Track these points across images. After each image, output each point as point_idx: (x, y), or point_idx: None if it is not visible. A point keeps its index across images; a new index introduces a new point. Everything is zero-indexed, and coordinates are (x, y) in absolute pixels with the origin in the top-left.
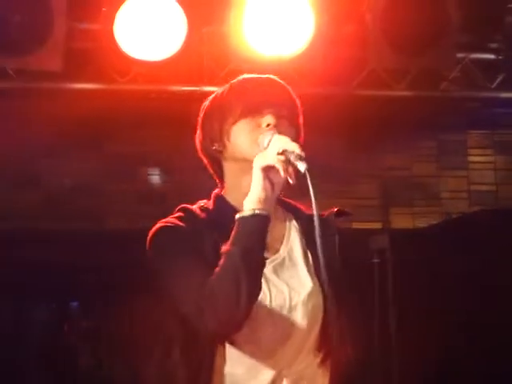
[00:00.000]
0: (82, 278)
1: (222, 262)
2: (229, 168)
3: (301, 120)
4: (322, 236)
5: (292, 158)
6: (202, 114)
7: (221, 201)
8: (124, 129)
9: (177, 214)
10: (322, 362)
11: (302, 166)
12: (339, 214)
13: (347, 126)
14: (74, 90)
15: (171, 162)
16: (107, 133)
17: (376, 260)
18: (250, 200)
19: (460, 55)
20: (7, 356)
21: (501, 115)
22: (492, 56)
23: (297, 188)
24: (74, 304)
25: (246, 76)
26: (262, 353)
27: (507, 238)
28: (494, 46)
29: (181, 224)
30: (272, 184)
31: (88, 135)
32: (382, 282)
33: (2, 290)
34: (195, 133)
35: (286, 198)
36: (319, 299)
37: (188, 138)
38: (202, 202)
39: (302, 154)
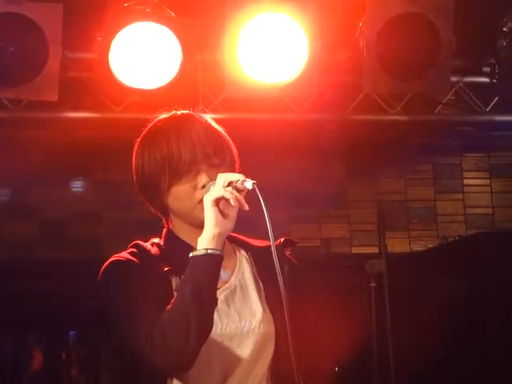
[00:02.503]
0: (80, 306)
1: (173, 300)
2: (174, 219)
3: (233, 153)
4: (270, 267)
5: (238, 184)
6: (134, 164)
7: (172, 237)
8: (119, 157)
9: (129, 250)
10: None
11: (248, 184)
12: (286, 243)
13: (343, 151)
14: (69, 119)
15: None
16: (103, 161)
17: (373, 284)
18: (203, 238)
19: (454, 79)
20: None
21: (496, 138)
22: (486, 79)
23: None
24: (72, 333)
25: (169, 120)
26: (212, 381)
27: (504, 261)
28: (487, 69)
29: (133, 259)
30: (226, 217)
31: (84, 164)
32: (379, 306)
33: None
34: None
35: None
36: (270, 327)
37: None
38: (154, 239)
39: (248, 179)
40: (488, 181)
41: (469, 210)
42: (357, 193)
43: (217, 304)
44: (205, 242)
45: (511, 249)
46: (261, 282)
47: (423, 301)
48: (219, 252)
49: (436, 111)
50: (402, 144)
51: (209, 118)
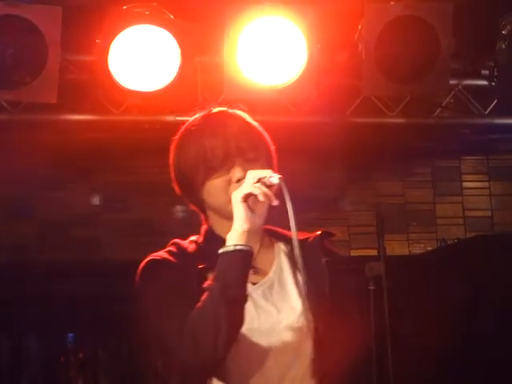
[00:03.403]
0: (79, 309)
1: (203, 297)
2: (211, 214)
3: (270, 151)
4: (309, 259)
5: (266, 180)
6: (171, 162)
7: (209, 233)
8: (119, 159)
9: (167, 249)
10: None
11: (275, 178)
12: (323, 235)
13: (342, 154)
14: (68, 121)
15: (167, 192)
16: (102, 163)
17: (372, 287)
18: (233, 234)
19: (453, 82)
20: None
21: (495, 141)
22: (485, 82)
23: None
24: (71, 335)
25: (206, 114)
26: (251, 377)
27: (503, 264)
28: (486, 72)
29: (170, 258)
30: (254, 213)
31: (83, 166)
32: (378, 309)
33: None
34: None
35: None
36: (309, 321)
37: None
38: (192, 237)
39: (275, 174)
40: (487, 184)
41: (468, 213)
42: (355, 195)
43: (246, 300)
44: (234, 238)
45: (510, 251)
46: (299, 277)
47: (422, 303)
48: (248, 248)
49: (435, 114)
50: (401, 147)
51: (244, 114)
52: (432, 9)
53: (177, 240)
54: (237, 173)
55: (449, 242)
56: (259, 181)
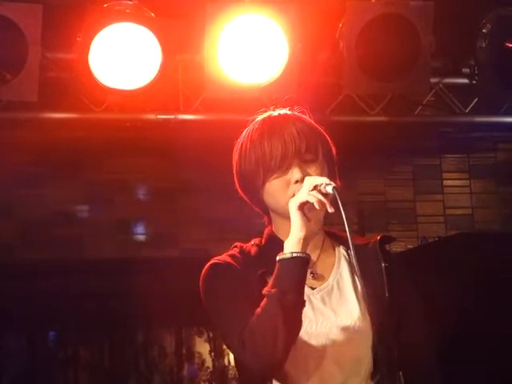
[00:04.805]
0: (60, 307)
1: (262, 303)
2: (273, 215)
3: (331, 153)
4: (368, 263)
5: (322, 188)
6: (234, 164)
7: (271, 236)
8: (100, 157)
9: (230, 252)
10: None
11: (329, 188)
12: (384, 240)
13: None
14: (48, 119)
15: (148, 190)
16: (83, 161)
17: None
18: (290, 242)
19: (434, 80)
20: None
21: (475, 139)
22: (465, 80)
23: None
24: (52, 334)
25: (266, 117)
26: (309, 380)
27: (484, 262)
28: (467, 70)
29: (232, 262)
30: (310, 220)
31: (63, 164)
32: None
33: None
34: (171, 159)
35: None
36: (367, 326)
37: (164, 165)
38: (255, 239)
39: (331, 182)
40: (468, 182)
41: (448, 211)
42: None
43: (304, 306)
44: (291, 246)
45: (491, 250)
46: (358, 282)
47: None
48: (305, 255)
49: (416, 112)
50: (382, 145)
51: (306, 116)
52: (413, 7)
53: (239, 243)
54: (295, 174)
55: (429, 240)
56: (315, 188)
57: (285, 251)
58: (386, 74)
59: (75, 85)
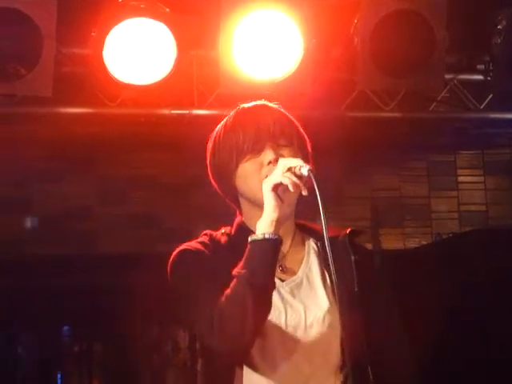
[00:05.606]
0: (74, 302)
1: (232, 284)
2: (243, 202)
3: (305, 144)
4: (338, 256)
5: (296, 170)
6: (208, 154)
7: (241, 227)
8: (114, 152)
9: (199, 239)
10: (344, 383)
11: (304, 170)
12: (353, 233)
13: (337, 148)
14: (63, 114)
15: (162, 185)
16: (97, 156)
17: None
18: (262, 223)
19: (448, 76)
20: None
21: (490, 135)
22: (480, 77)
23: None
24: (66, 329)
25: (241, 108)
26: (276, 371)
27: (498, 258)
28: (481, 66)
29: (201, 248)
30: (284, 202)
31: (78, 159)
32: None
33: None
34: (185, 155)
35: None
36: (336, 319)
37: (178, 160)
38: (224, 228)
39: (306, 164)
40: (482, 178)
41: (463, 208)
42: (351, 190)
43: (274, 288)
44: (263, 227)
45: (505, 246)
46: (327, 275)
47: (417, 298)
48: (277, 237)
49: (430, 108)
50: (396, 141)
51: (279, 107)
52: (427, 3)
53: (209, 231)
54: (268, 155)
55: (444, 237)
56: (289, 170)
57: (257, 232)
58: (401, 70)
59: (90, 80)
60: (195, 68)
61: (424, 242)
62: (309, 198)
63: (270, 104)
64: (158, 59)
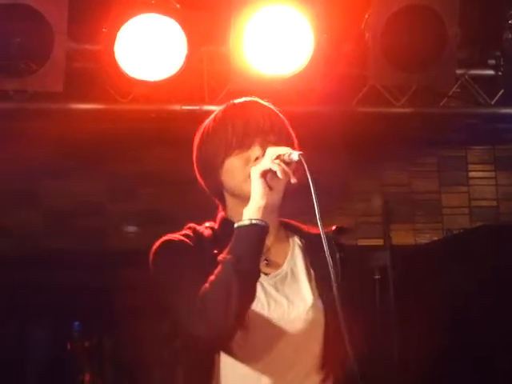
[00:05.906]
0: (84, 297)
1: (216, 269)
2: (229, 198)
3: (291, 135)
4: (323, 253)
5: (286, 157)
6: (195, 148)
7: (225, 221)
8: (125, 148)
9: (183, 232)
10: (324, 381)
11: (295, 155)
12: (339, 231)
13: (348, 143)
14: (74, 110)
15: (172, 182)
16: (108, 152)
17: (377, 276)
18: (249, 209)
19: (459, 71)
20: (9, 377)
21: (501, 131)
22: (491, 72)
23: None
24: (77, 323)
25: (231, 103)
26: (256, 363)
27: (509, 254)
28: (492, 62)
29: (185, 240)
30: (272, 189)
31: (89, 155)
32: (384, 298)
33: (3, 310)
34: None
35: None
36: (319, 315)
37: (188, 157)
38: (208, 223)
39: (295, 151)
40: (493, 173)
41: (474, 203)
42: (361, 185)
43: (259, 275)
44: (250, 213)
45: None
46: (312, 271)
47: (428, 293)
48: (264, 223)
49: (441, 104)
50: (407, 136)
51: (270, 103)
52: None
53: (193, 224)
54: (256, 151)
55: (454, 232)
56: (278, 157)
57: (244, 218)
58: (412, 65)
59: (101, 76)
60: (206, 64)
61: (435, 238)
62: (299, 198)
63: (261, 100)
64: (168, 55)
